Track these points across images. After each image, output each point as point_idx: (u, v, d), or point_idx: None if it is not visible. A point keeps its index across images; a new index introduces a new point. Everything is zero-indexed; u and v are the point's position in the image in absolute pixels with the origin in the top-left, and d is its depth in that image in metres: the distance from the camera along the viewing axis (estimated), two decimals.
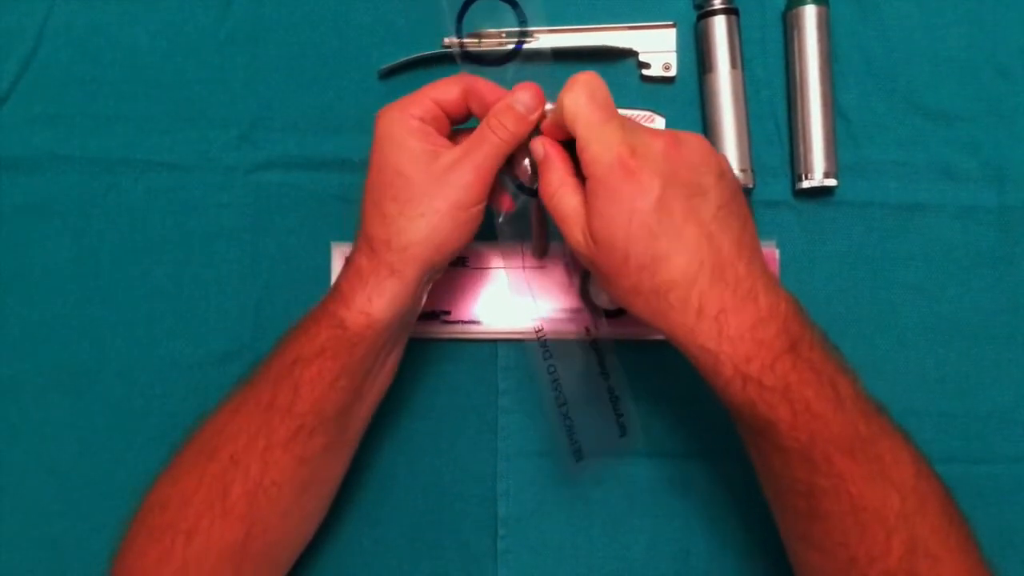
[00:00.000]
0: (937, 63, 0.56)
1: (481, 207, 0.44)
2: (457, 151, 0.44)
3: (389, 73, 0.57)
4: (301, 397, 0.44)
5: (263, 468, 0.43)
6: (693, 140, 0.41)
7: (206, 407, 0.47)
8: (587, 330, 0.53)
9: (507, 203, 0.48)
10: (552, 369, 0.51)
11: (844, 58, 0.56)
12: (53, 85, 0.57)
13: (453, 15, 0.48)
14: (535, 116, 0.44)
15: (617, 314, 0.54)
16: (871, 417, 0.40)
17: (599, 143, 0.40)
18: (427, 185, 0.43)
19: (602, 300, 0.54)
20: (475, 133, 0.44)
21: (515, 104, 0.44)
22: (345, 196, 0.56)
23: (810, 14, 0.54)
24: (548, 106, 0.45)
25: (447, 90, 0.45)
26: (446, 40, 0.56)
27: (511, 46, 0.50)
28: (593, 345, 0.53)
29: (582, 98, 0.41)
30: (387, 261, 0.43)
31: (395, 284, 0.43)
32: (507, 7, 0.48)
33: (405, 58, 0.56)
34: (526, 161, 0.46)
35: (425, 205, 0.43)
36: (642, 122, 0.54)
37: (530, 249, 0.54)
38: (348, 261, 0.45)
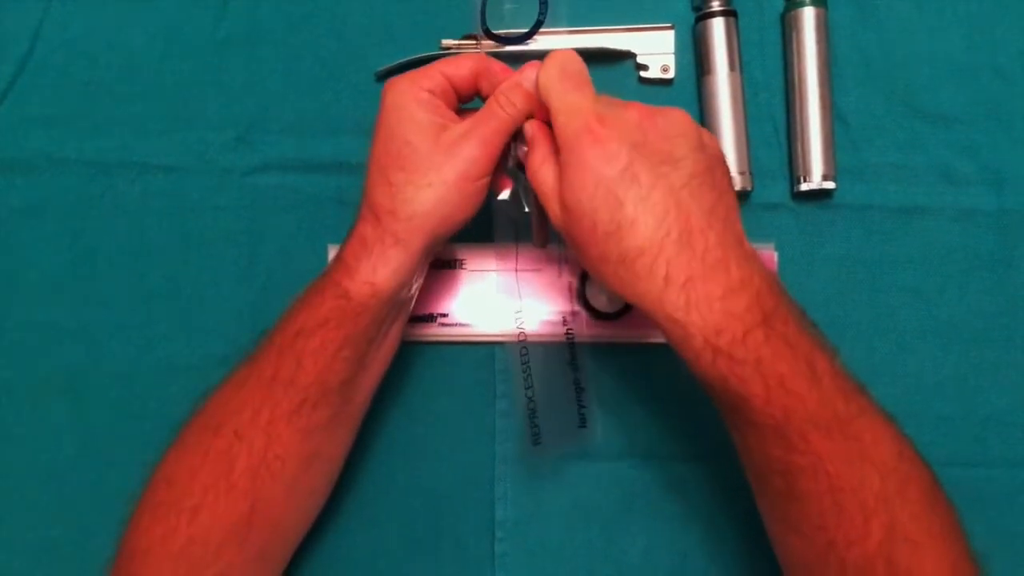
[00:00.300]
0: (936, 66, 0.56)
1: (486, 181, 0.45)
2: (465, 124, 0.44)
3: (386, 75, 0.57)
4: (304, 369, 0.44)
5: (267, 442, 0.44)
6: (673, 112, 0.41)
7: None
8: (564, 320, 0.53)
9: (506, 184, 0.49)
10: (524, 353, 0.52)
11: (843, 60, 0.56)
12: (49, 87, 0.57)
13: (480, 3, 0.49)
14: None
15: (614, 316, 0.54)
16: (850, 396, 0.39)
17: (567, 112, 0.41)
18: (435, 156, 0.43)
19: (600, 303, 0.54)
20: (483, 108, 0.45)
21: (523, 82, 0.45)
22: (342, 198, 0.56)
23: (808, 16, 0.54)
24: None
25: (459, 66, 0.45)
26: (444, 42, 0.56)
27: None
28: (568, 338, 0.53)
29: (553, 71, 0.42)
30: (392, 230, 0.43)
31: (400, 254, 0.44)
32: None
33: (402, 60, 0.56)
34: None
35: (433, 175, 0.43)
36: None
37: (530, 244, 0.54)
38: (351, 231, 0.45)
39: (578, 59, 0.43)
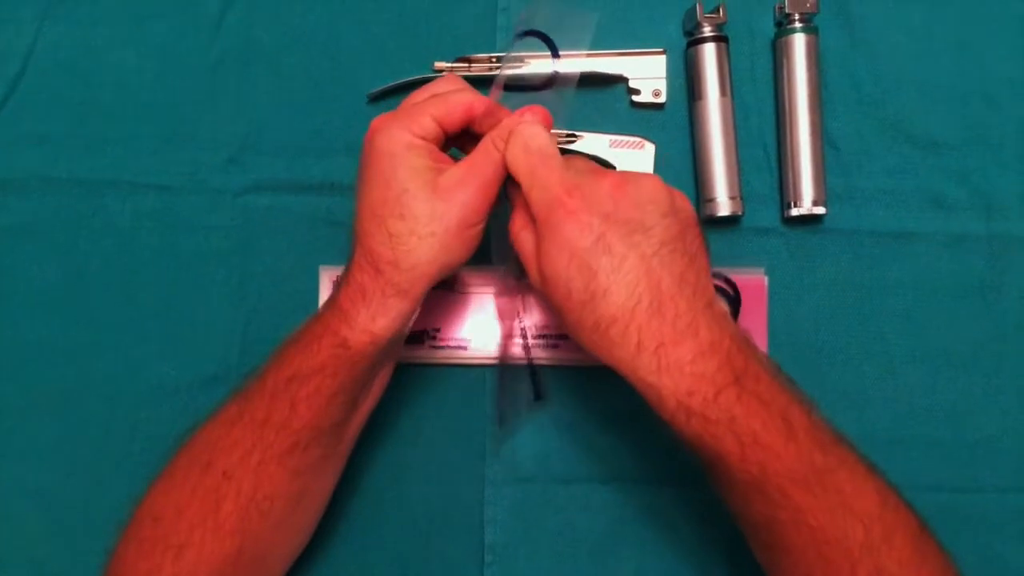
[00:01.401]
0: (926, 92, 0.56)
1: (484, 225, 0.45)
2: (461, 169, 0.44)
3: (379, 97, 0.57)
4: (298, 414, 0.44)
5: (256, 483, 0.43)
6: (644, 179, 0.42)
7: None
8: (518, 314, 0.55)
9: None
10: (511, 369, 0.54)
11: (833, 86, 0.56)
12: (41, 106, 0.57)
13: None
14: None
15: None
16: (829, 448, 0.40)
17: (538, 188, 0.42)
18: (434, 203, 0.43)
19: None
20: (478, 151, 0.44)
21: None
22: (333, 219, 0.56)
23: (799, 42, 0.54)
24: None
25: (449, 111, 0.44)
26: (436, 64, 0.56)
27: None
28: (520, 326, 0.55)
29: (517, 149, 0.43)
30: (394, 281, 0.43)
31: (400, 302, 0.44)
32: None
33: (395, 82, 0.56)
34: None
35: (435, 224, 0.43)
36: (631, 148, 0.55)
37: (513, 269, 0.54)
38: (348, 278, 0.44)
39: (541, 132, 0.43)
